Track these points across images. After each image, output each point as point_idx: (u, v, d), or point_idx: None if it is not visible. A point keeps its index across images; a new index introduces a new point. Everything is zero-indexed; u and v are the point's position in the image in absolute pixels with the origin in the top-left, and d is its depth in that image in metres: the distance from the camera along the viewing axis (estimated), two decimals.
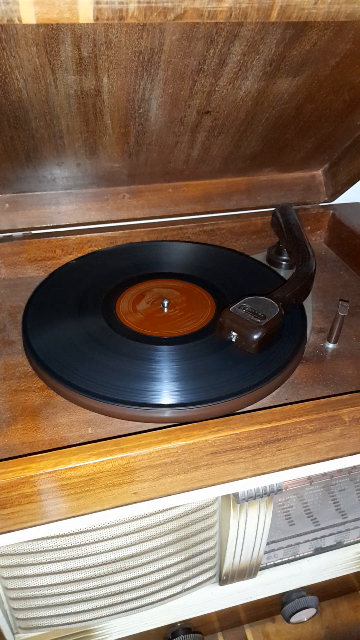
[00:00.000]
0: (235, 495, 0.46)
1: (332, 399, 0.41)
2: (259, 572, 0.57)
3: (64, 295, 0.56)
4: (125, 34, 0.38)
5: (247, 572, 0.55)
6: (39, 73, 0.41)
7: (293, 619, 0.61)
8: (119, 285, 0.58)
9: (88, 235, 0.65)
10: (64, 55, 0.39)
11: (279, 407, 0.40)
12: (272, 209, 0.68)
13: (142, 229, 0.67)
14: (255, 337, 0.44)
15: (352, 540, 0.60)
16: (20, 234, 0.63)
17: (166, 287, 0.58)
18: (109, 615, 0.51)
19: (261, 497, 0.47)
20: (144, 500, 0.40)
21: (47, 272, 0.63)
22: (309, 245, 0.58)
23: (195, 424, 0.39)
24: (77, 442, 0.43)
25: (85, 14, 0.29)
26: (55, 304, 0.55)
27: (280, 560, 0.57)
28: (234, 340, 0.46)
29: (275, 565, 0.57)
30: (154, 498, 0.40)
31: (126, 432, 0.44)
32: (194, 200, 0.68)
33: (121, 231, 0.66)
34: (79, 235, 0.64)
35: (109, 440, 0.37)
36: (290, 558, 0.58)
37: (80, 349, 0.49)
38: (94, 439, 0.43)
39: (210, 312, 0.54)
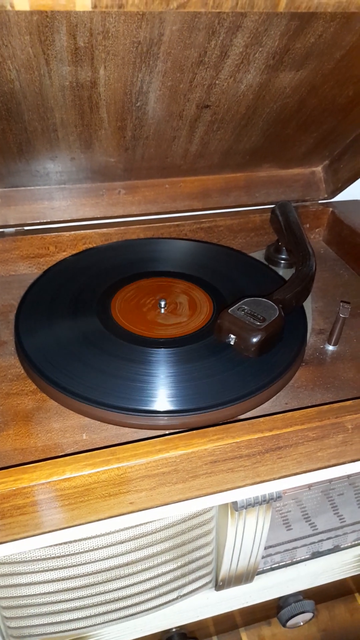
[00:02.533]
0: (234, 503, 0.45)
1: (335, 405, 0.40)
2: (256, 577, 0.56)
3: (58, 294, 0.55)
4: (124, 23, 0.36)
5: (244, 577, 0.54)
6: (32, 63, 0.39)
7: (289, 624, 0.61)
8: (114, 284, 0.56)
9: (82, 231, 0.63)
10: (59, 45, 0.37)
11: (281, 414, 0.39)
12: (271, 206, 0.67)
13: (138, 226, 0.65)
14: (255, 340, 0.43)
15: (349, 544, 0.59)
16: (12, 230, 0.61)
17: (163, 286, 0.56)
18: (103, 623, 0.50)
19: (260, 505, 0.45)
20: (141, 510, 0.39)
21: (40, 270, 0.61)
22: (309, 245, 0.57)
23: (194, 432, 0.37)
24: (71, 449, 0.41)
25: (82, 0, 0.27)
26: (49, 303, 0.53)
27: (277, 565, 0.56)
28: (232, 343, 0.45)
29: (272, 569, 0.56)
30: (151, 507, 0.39)
31: (122, 439, 0.42)
32: (192, 196, 0.66)
33: (116, 228, 0.64)
34: (73, 232, 0.63)
35: (104, 450, 0.36)
36: (287, 562, 0.57)
37: (74, 351, 0.47)
38: (88, 446, 0.42)
39: (208, 312, 0.53)
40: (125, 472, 0.36)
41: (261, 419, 0.39)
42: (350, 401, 0.41)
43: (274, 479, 0.41)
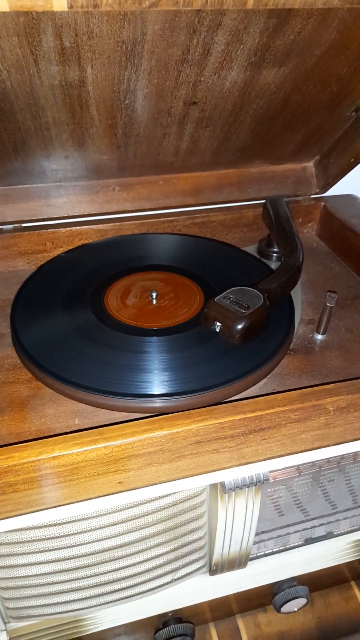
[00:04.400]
0: (222, 484, 0.46)
1: (316, 388, 0.41)
2: (250, 563, 0.57)
3: (52, 288, 0.57)
4: (107, 23, 0.38)
5: (237, 562, 0.55)
6: (21, 64, 0.41)
7: (284, 609, 0.62)
8: (108, 278, 0.58)
9: (78, 228, 0.65)
10: (46, 45, 0.39)
11: (263, 397, 0.40)
12: (264, 201, 0.68)
13: (132, 222, 0.67)
14: (239, 327, 0.44)
15: (342, 531, 0.60)
16: (10, 227, 0.63)
17: (155, 280, 0.58)
18: (99, 605, 0.52)
19: (248, 487, 0.47)
20: (129, 490, 0.40)
21: (38, 265, 0.63)
22: (297, 237, 0.58)
23: (179, 413, 0.39)
24: (64, 433, 0.43)
25: (59, 1, 0.29)
26: (44, 296, 0.55)
27: (270, 551, 0.57)
28: (218, 330, 0.46)
29: (266, 555, 0.58)
30: (140, 487, 0.41)
31: (113, 422, 0.44)
32: (185, 192, 0.68)
33: (112, 224, 0.66)
34: (69, 228, 0.65)
35: (92, 430, 0.37)
36: (280, 548, 0.58)
37: (67, 341, 0.49)
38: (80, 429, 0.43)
39: (198, 304, 0.54)
40: (112, 452, 0.37)
41: (244, 401, 0.40)
42: (332, 384, 0.42)
43: (259, 460, 0.43)
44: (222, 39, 0.42)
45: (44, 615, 0.51)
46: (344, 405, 0.42)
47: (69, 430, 0.43)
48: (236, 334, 0.44)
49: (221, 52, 0.44)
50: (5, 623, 0.51)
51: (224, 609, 0.63)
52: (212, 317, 0.46)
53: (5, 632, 0.52)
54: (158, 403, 0.43)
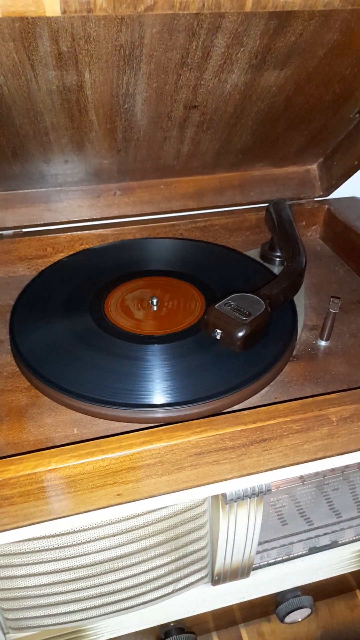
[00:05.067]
0: (224, 496, 0.45)
1: (319, 398, 0.40)
2: (253, 572, 0.56)
3: (52, 294, 0.56)
4: (104, 27, 0.37)
5: (240, 572, 0.55)
6: (18, 69, 0.40)
7: (287, 619, 0.61)
8: (108, 284, 0.57)
9: (79, 232, 0.64)
10: (43, 50, 0.39)
11: (264, 407, 0.40)
12: (266, 204, 0.67)
13: (134, 226, 0.66)
14: (239, 334, 0.43)
15: (347, 540, 0.59)
16: (10, 232, 0.63)
17: (156, 285, 0.57)
18: (100, 616, 0.51)
19: (250, 498, 0.46)
20: (128, 502, 0.40)
21: (38, 271, 0.63)
22: (300, 241, 0.57)
23: (178, 424, 0.38)
24: (62, 443, 0.42)
25: (51, 6, 0.28)
26: (43, 303, 0.55)
27: (273, 560, 0.57)
28: (218, 337, 0.46)
29: (269, 565, 0.57)
30: (139, 499, 0.40)
31: (112, 433, 0.43)
32: (187, 196, 0.67)
33: (113, 229, 0.65)
34: (70, 233, 0.64)
35: (89, 442, 0.37)
36: (284, 558, 0.57)
37: (66, 348, 0.48)
38: (79, 440, 0.43)
39: (200, 310, 0.53)
40: (110, 464, 0.36)
41: (245, 412, 0.39)
42: (335, 394, 0.41)
43: (261, 471, 0.42)
44: (221, 41, 0.41)
45: (44, 626, 0.50)
46: (348, 415, 0.41)
47: (67, 441, 0.43)
48: (237, 341, 0.44)
49: (221, 55, 0.43)
50: (4, 634, 0.51)
51: (226, 618, 0.62)
52: (213, 323, 0.45)
53: None
54: (157, 413, 0.42)
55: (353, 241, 0.65)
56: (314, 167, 0.70)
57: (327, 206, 0.70)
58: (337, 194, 0.71)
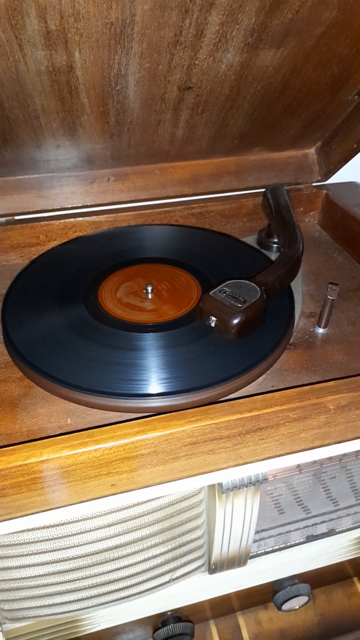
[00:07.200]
0: (220, 485, 0.45)
1: (316, 386, 0.40)
2: (250, 561, 0.56)
3: (45, 282, 0.55)
4: (93, 3, 0.36)
5: (237, 561, 0.54)
6: (5, 49, 0.39)
7: (284, 607, 0.61)
8: (102, 272, 0.56)
9: (72, 220, 0.63)
10: (30, 29, 0.37)
11: (261, 396, 0.39)
12: (263, 190, 0.66)
13: (128, 213, 0.65)
14: (234, 322, 0.42)
15: (344, 528, 0.59)
16: (2, 219, 0.61)
17: (151, 273, 0.56)
18: (96, 606, 0.51)
19: (246, 487, 0.45)
20: (123, 492, 0.39)
21: (31, 259, 0.62)
22: (297, 228, 0.56)
23: (172, 414, 0.37)
24: (56, 433, 0.42)
25: None
26: (36, 292, 0.54)
27: (270, 549, 0.56)
28: (213, 325, 0.45)
29: (266, 553, 0.56)
30: (133, 490, 0.39)
31: (106, 423, 0.42)
32: (182, 182, 0.66)
33: (107, 215, 0.64)
34: (63, 221, 0.63)
35: (82, 432, 0.36)
36: (281, 546, 0.57)
37: (59, 338, 0.47)
38: (72, 430, 0.42)
39: (195, 297, 0.52)
40: (103, 454, 0.36)
41: (241, 400, 0.39)
42: (333, 382, 0.40)
43: (257, 460, 0.41)
44: (216, 18, 0.40)
45: (40, 616, 0.50)
46: (345, 404, 0.40)
47: (61, 431, 0.42)
48: (232, 329, 0.43)
49: (215, 33, 0.42)
50: (0, 624, 0.51)
51: (224, 607, 0.62)
52: (207, 311, 0.44)
53: (1, 632, 0.51)
54: (151, 403, 0.41)
55: (352, 228, 0.64)
56: (312, 152, 0.69)
57: (325, 191, 0.69)
58: (336, 178, 0.70)
